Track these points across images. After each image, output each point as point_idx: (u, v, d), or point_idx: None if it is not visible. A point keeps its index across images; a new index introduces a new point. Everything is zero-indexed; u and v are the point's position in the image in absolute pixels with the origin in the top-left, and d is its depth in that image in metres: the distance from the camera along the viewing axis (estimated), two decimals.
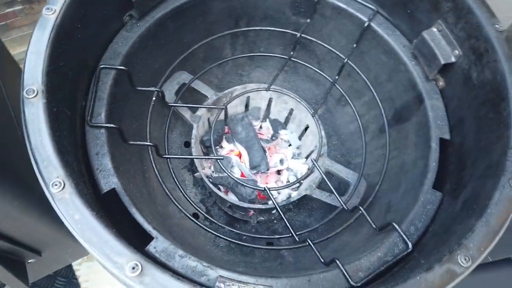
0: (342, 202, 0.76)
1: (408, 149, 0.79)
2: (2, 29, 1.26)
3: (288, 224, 0.72)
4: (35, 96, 0.49)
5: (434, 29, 0.74)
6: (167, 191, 0.71)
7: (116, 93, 0.70)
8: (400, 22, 0.81)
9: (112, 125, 0.64)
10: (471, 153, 0.64)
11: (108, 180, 0.61)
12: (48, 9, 0.54)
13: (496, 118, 0.59)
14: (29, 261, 0.73)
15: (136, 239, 0.58)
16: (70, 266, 1.43)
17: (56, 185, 0.44)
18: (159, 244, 0.57)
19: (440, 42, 0.72)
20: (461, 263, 0.46)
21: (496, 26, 0.63)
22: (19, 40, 1.32)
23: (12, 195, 0.52)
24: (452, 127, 0.72)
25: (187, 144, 1.01)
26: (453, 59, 0.71)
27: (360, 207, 0.70)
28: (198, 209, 0.86)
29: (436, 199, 0.65)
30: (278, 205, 0.75)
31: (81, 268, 1.42)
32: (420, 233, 0.62)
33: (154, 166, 0.71)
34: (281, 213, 0.73)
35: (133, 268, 0.41)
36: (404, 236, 0.60)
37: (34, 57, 0.51)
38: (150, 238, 0.58)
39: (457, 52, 0.70)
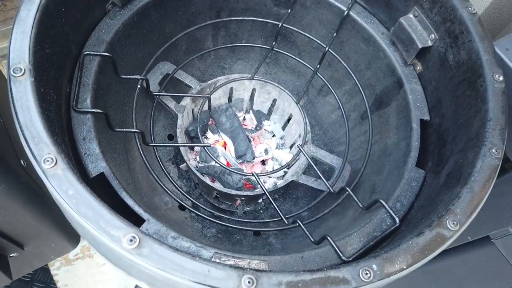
0: (328, 185, 0.77)
1: (389, 132, 0.82)
2: None
3: (276, 207, 0.73)
4: (22, 75, 0.48)
5: (411, 15, 0.77)
6: (156, 179, 0.71)
7: (101, 80, 0.69)
8: (378, 10, 0.84)
9: (98, 110, 0.63)
10: (450, 131, 0.67)
11: (97, 164, 0.60)
12: None
13: (473, 95, 0.62)
14: (11, 255, 0.71)
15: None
16: (48, 271, 1.39)
17: (48, 161, 0.43)
18: (151, 226, 0.57)
19: (416, 28, 0.76)
20: (450, 227, 0.48)
21: (469, 8, 0.67)
22: None
23: None
24: (431, 109, 0.75)
25: (171, 137, 1.01)
26: (429, 43, 0.74)
27: (347, 188, 0.72)
28: (184, 200, 0.86)
29: (419, 176, 0.67)
30: (267, 190, 0.75)
31: (59, 273, 1.38)
32: (406, 209, 0.64)
33: (142, 153, 0.70)
34: (269, 197, 0.74)
35: (131, 240, 0.41)
36: (391, 212, 0.62)
37: (20, 37, 0.50)
38: (141, 221, 0.57)
39: (433, 36, 0.73)
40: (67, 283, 1.35)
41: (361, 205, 0.69)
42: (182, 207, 0.93)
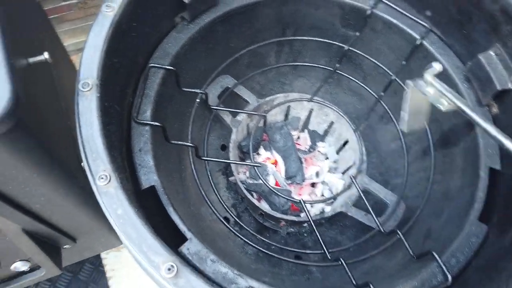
0: (379, 224, 0.73)
1: (454, 174, 0.76)
2: (56, 21, 1.31)
3: (321, 241, 0.70)
4: (89, 90, 0.50)
5: (492, 53, 0.70)
6: (202, 192, 0.71)
7: (163, 92, 0.71)
8: (455, 42, 0.78)
9: (157, 124, 0.65)
10: None
11: (149, 177, 0.61)
12: (107, 6, 0.56)
13: None
14: (64, 246, 0.75)
15: (170, 238, 0.59)
16: (98, 255, 1.46)
17: (102, 178, 0.45)
18: (192, 246, 0.57)
19: (497, 67, 0.69)
20: None
21: None
22: (70, 33, 1.38)
23: (57, 182, 0.54)
24: (503, 157, 0.68)
25: (224, 147, 1.02)
26: (510, 86, 0.67)
27: (398, 231, 0.68)
28: (230, 213, 0.86)
29: (481, 232, 0.62)
30: (312, 219, 0.73)
31: (108, 257, 1.45)
32: (461, 266, 0.59)
33: (193, 166, 0.71)
34: (315, 229, 0.72)
35: (169, 269, 0.41)
36: (444, 267, 0.57)
37: (91, 52, 0.53)
38: (184, 238, 0.58)
39: None
40: (114, 268, 1.42)
41: (411, 253, 0.64)
42: (227, 219, 0.94)
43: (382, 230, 0.73)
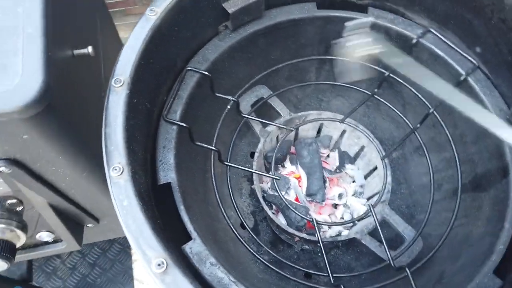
0: (390, 257, 0.71)
1: (478, 221, 0.72)
2: (120, 14, 1.41)
3: (326, 263, 0.70)
4: (120, 86, 0.54)
5: None
6: (217, 196, 0.73)
7: (196, 95, 0.75)
8: (502, 83, 0.74)
9: (183, 124, 0.68)
10: None
11: (167, 173, 0.65)
12: (151, 10, 0.60)
13: None
14: (88, 225, 0.81)
15: (178, 235, 0.62)
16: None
17: (115, 169, 0.48)
18: (195, 246, 0.59)
19: None
20: None
21: None
22: (132, 26, 1.47)
23: (83, 166, 0.59)
24: None
25: (253, 155, 1.03)
26: None
27: (407, 269, 0.66)
28: (242, 219, 0.88)
29: (494, 286, 0.58)
30: (322, 241, 0.73)
31: None
32: None
33: (212, 170, 0.74)
34: (323, 252, 0.71)
35: (159, 264, 0.44)
36: None
37: (129, 51, 0.57)
38: (190, 237, 0.61)
39: None
40: None
41: None
42: (243, 226, 0.95)
43: (392, 264, 0.71)
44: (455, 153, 0.78)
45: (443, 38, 0.79)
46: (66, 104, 0.53)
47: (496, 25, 0.71)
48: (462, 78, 0.76)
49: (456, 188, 0.83)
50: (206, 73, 0.72)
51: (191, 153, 0.77)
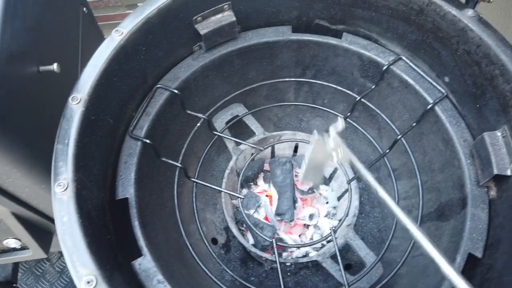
0: (345, 283, 0.71)
1: None
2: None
3: (282, 286, 0.70)
4: (77, 103, 0.56)
5: (498, 133, 0.66)
6: (177, 216, 0.75)
7: (166, 112, 0.76)
8: (468, 113, 0.74)
9: (147, 141, 0.69)
10: (491, 285, 0.56)
11: (125, 189, 0.66)
12: (117, 31, 0.62)
13: None
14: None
15: (133, 249, 0.63)
16: None
17: (60, 185, 0.50)
18: (144, 262, 0.60)
19: (500, 150, 0.65)
20: None
21: None
22: None
23: (41, 179, 0.61)
24: (488, 246, 0.64)
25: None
26: (509, 173, 0.62)
27: None
28: (218, 236, 0.89)
29: None
30: (279, 264, 0.73)
31: None
32: None
33: (175, 186, 0.75)
34: (280, 273, 0.72)
35: (88, 282, 0.45)
36: None
37: (90, 70, 0.59)
38: (140, 254, 0.62)
39: None
40: None
41: None
42: (214, 241, 0.96)
43: None
44: (419, 180, 0.78)
45: (413, 66, 0.80)
46: (21, 118, 0.55)
47: (462, 56, 0.71)
48: (429, 106, 0.77)
49: (423, 215, 0.83)
50: (176, 91, 0.74)
51: (159, 168, 0.79)
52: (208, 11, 0.75)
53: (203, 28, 0.76)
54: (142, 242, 0.62)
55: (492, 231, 0.64)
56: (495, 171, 0.63)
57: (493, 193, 0.67)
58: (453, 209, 0.72)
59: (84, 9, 0.94)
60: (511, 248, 0.57)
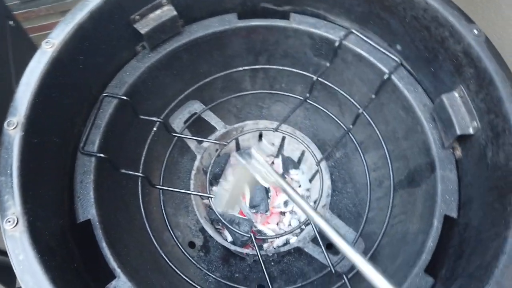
0: (330, 264, 0.71)
1: (414, 218, 0.72)
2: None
3: (268, 281, 0.69)
4: (14, 128, 0.51)
5: (456, 94, 0.67)
6: (147, 226, 0.71)
7: (117, 121, 0.72)
8: (424, 78, 0.75)
9: (101, 155, 0.65)
10: (470, 242, 0.57)
11: (86, 210, 0.61)
12: (47, 42, 0.57)
13: (499, 211, 0.52)
14: None
15: (105, 271, 0.59)
16: None
17: (9, 221, 0.45)
18: (119, 284, 0.57)
19: (459, 109, 0.65)
20: None
21: None
22: None
23: None
24: (462, 205, 0.65)
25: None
26: (471, 131, 0.63)
27: (345, 276, 0.65)
28: (194, 238, 0.86)
29: (425, 286, 0.58)
30: (261, 257, 0.72)
31: None
32: None
33: (140, 196, 0.71)
34: (262, 265, 0.70)
35: None
36: None
37: (23, 89, 0.54)
38: (113, 276, 0.58)
39: (475, 124, 0.63)
40: None
41: None
42: (192, 245, 0.93)
43: (333, 271, 0.71)
44: (386, 150, 0.78)
45: (365, 39, 0.79)
46: None
47: (410, 22, 0.71)
48: (385, 77, 0.76)
49: (395, 184, 0.83)
50: (124, 97, 0.70)
51: (120, 181, 0.74)
52: (145, 8, 0.70)
53: (143, 26, 0.71)
54: (113, 263, 0.58)
55: (462, 190, 0.65)
56: (458, 132, 0.64)
57: (458, 153, 0.68)
58: (422, 174, 0.73)
59: (11, 22, 0.86)
60: (483, 205, 0.57)
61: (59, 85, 0.59)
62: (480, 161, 0.61)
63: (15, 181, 0.48)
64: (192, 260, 0.79)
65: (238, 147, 0.99)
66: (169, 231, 0.74)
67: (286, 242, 0.89)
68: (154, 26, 0.71)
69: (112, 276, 0.58)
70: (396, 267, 0.69)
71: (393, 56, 0.77)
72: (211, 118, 0.89)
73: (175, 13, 0.73)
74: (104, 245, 0.60)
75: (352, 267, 0.75)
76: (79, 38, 0.61)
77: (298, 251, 0.95)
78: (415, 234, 0.69)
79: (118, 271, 0.58)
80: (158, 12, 0.72)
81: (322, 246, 0.72)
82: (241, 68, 0.90)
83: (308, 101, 0.88)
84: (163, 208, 0.76)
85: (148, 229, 0.70)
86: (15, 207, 0.46)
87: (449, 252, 0.63)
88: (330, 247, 0.91)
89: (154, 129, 0.77)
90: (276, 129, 0.87)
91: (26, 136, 0.51)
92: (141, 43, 0.75)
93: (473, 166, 0.64)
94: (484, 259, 0.49)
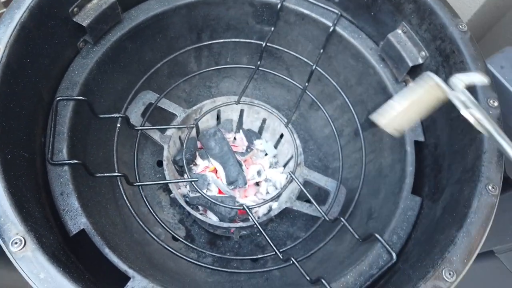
0: (323, 213, 0.74)
1: (384, 152, 0.79)
2: None
3: (270, 243, 0.70)
4: None
5: (399, 31, 0.73)
6: (140, 222, 0.68)
7: (78, 125, 0.67)
8: (365, 24, 0.80)
9: (75, 161, 0.60)
10: (445, 156, 0.64)
11: (76, 221, 0.57)
12: None
13: (467, 121, 0.59)
14: None
15: (115, 278, 0.55)
16: None
17: (16, 243, 0.41)
18: (136, 284, 0.54)
19: (406, 44, 0.72)
20: (446, 278, 0.45)
21: (460, 26, 0.63)
22: None
23: None
24: (425, 128, 0.72)
25: (160, 163, 0.98)
26: (420, 61, 0.70)
27: (342, 218, 0.69)
28: (178, 229, 0.84)
29: (416, 205, 0.64)
30: (258, 222, 0.73)
31: None
32: (403, 242, 0.62)
33: (124, 196, 0.68)
34: (263, 233, 0.71)
35: None
36: (387, 247, 0.59)
37: None
38: (127, 278, 0.55)
39: (423, 53, 0.69)
40: None
41: (357, 236, 0.66)
42: (175, 238, 0.91)
43: (327, 219, 0.74)
44: (345, 97, 0.83)
45: None
46: None
47: None
48: (330, 29, 0.80)
49: (355, 129, 0.89)
50: (80, 97, 0.65)
51: (95, 187, 0.70)
52: None
53: (84, 19, 0.66)
54: (123, 266, 0.55)
55: None
56: (410, 64, 0.70)
57: (411, 84, 0.75)
58: None
59: None
60: (448, 121, 0.64)
61: (14, 94, 0.53)
62: None
63: (5, 201, 0.43)
64: (180, 254, 0.77)
65: (198, 132, 0.98)
66: (148, 231, 0.70)
67: (270, 209, 0.91)
68: (95, 16, 0.67)
69: (121, 280, 0.55)
70: (382, 199, 0.74)
71: (333, 9, 0.81)
72: (168, 105, 0.86)
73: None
74: (107, 251, 0.56)
75: (342, 209, 0.80)
76: (23, 39, 0.55)
77: (279, 215, 0.97)
78: (391, 166, 0.75)
79: (130, 271, 0.55)
80: (95, 1, 0.67)
81: (313, 200, 0.74)
82: (185, 49, 0.87)
83: (260, 68, 0.90)
84: (147, 204, 0.73)
85: (143, 226, 0.67)
86: (16, 228, 0.42)
87: (425, 172, 0.70)
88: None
89: (118, 125, 0.72)
90: (238, 101, 0.88)
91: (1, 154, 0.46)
92: (82, 38, 0.70)
93: None
94: (467, 164, 0.56)
